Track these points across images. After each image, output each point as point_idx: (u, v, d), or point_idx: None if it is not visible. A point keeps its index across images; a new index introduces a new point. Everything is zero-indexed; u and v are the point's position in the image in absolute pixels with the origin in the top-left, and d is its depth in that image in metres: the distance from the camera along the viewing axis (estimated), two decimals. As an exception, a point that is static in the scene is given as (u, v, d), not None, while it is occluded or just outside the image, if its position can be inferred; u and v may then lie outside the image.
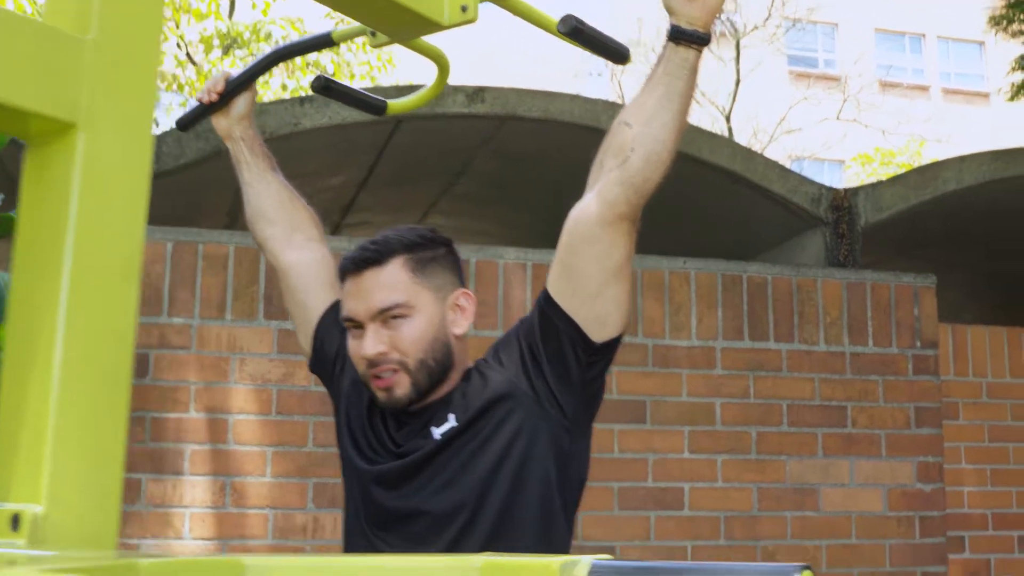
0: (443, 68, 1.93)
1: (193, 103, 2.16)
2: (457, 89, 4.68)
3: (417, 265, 1.96)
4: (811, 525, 4.22)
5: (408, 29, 1.62)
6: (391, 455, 1.98)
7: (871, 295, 4.46)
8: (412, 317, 1.92)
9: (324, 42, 1.91)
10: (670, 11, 1.77)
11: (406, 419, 1.98)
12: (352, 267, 1.96)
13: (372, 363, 1.92)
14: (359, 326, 1.94)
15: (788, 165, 13.80)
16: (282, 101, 4.71)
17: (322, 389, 3.72)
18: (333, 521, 3.80)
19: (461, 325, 1.99)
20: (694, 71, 1.79)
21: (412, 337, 1.92)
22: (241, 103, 2.15)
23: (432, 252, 1.99)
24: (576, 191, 1.88)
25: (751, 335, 4.26)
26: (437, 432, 1.93)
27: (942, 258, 5.95)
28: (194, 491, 3.74)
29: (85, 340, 1.17)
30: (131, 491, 3.63)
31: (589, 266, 1.86)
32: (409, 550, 1.90)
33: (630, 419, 4.07)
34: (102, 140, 1.20)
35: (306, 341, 2.18)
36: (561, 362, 1.90)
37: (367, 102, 2.10)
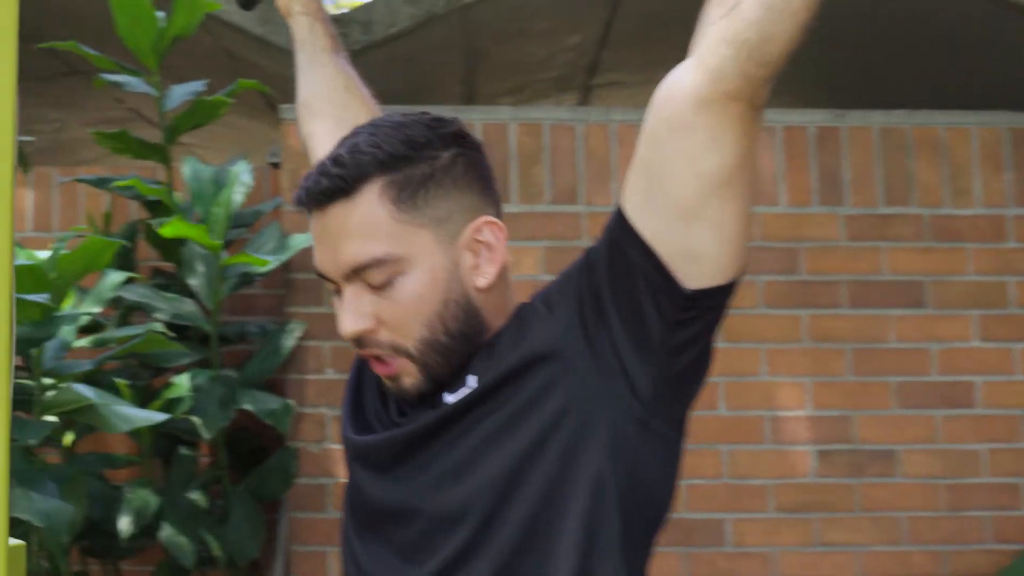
0: None
1: None
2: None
3: (404, 191, 1.34)
4: None
5: None
6: (390, 425, 1.44)
7: None
8: (405, 274, 1.34)
9: None
10: None
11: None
12: (310, 201, 1.36)
13: (359, 343, 1.38)
14: (337, 290, 1.39)
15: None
16: (500, -43, 4.26)
17: (552, 277, 3.37)
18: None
19: (486, 273, 1.37)
20: None
21: (407, 307, 1.34)
22: None
23: (429, 164, 1.36)
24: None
25: (1054, 197, 3.57)
26: (450, 397, 1.36)
27: None
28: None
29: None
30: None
31: (678, 169, 1.25)
32: (397, 568, 1.36)
33: (906, 303, 3.49)
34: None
35: None
36: (635, 315, 1.29)
37: None
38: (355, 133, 1.38)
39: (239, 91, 3.53)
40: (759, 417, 3.43)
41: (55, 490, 2.43)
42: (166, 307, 3.22)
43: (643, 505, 1.34)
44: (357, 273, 1.34)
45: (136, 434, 3.06)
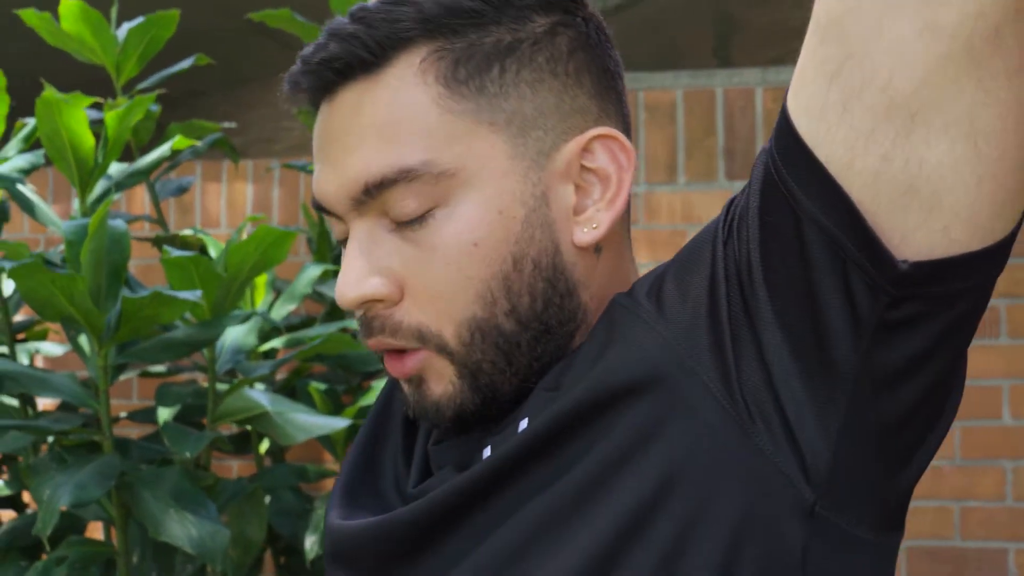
0: None
1: None
2: None
3: (463, 67, 0.83)
4: None
5: None
6: (395, 502, 0.91)
7: None
8: (453, 205, 0.82)
9: None
10: None
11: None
12: (310, 80, 0.86)
13: (366, 326, 0.86)
14: (340, 219, 0.88)
15: None
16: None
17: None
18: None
19: (596, 220, 0.85)
20: None
21: (451, 262, 0.82)
22: None
23: (511, 30, 0.84)
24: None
25: None
26: (487, 450, 0.84)
27: None
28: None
29: None
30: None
31: (889, 23, 0.67)
32: None
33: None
34: None
35: None
36: (807, 315, 0.73)
37: None
38: None
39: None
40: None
41: (214, 512, 2.17)
42: (368, 304, 2.94)
43: None
44: (374, 196, 0.83)
45: (330, 444, 2.79)
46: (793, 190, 0.72)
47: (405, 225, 0.83)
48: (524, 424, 0.82)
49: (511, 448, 0.80)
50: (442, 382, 0.85)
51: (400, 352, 0.86)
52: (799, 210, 0.72)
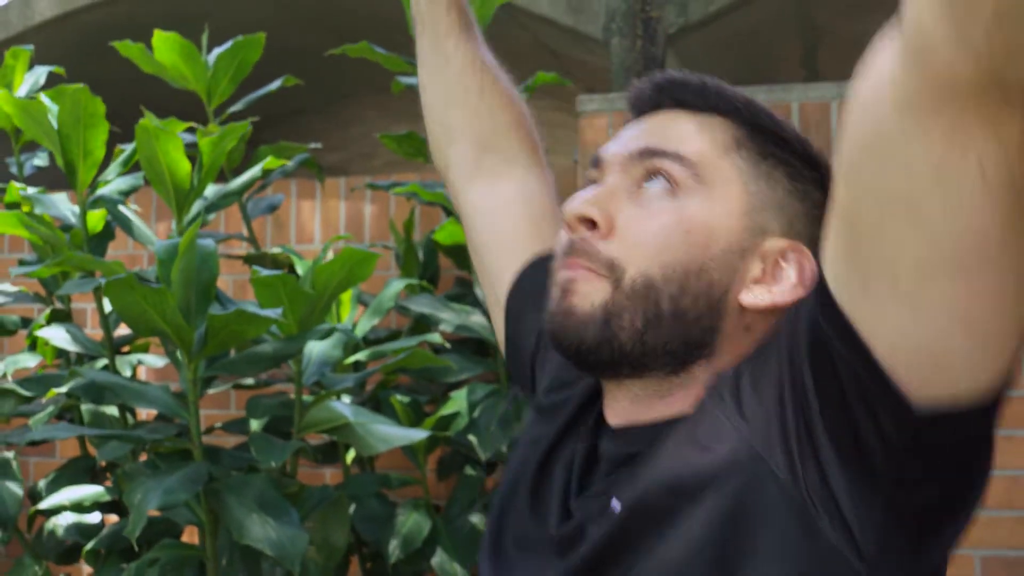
0: None
1: None
2: None
3: (747, 147, 1.04)
4: None
5: None
6: (548, 541, 1.03)
7: None
8: (686, 195, 1.01)
9: None
10: None
11: (594, 461, 1.05)
12: (640, 102, 1.10)
13: (571, 245, 1.02)
14: (592, 184, 1.06)
15: None
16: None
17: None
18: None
19: (759, 295, 1.01)
20: None
21: (664, 227, 0.99)
22: None
23: (786, 161, 1.05)
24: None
25: None
26: (616, 504, 0.97)
27: None
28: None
29: None
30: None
31: (889, 218, 0.78)
32: None
33: None
34: None
35: (498, 323, 1.31)
36: (847, 431, 0.87)
37: None
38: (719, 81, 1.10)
39: (538, 86, 3.30)
40: None
41: (295, 519, 2.27)
42: (451, 318, 3.03)
43: None
44: (643, 158, 1.03)
45: (411, 451, 2.88)
46: (831, 337, 0.85)
47: (646, 190, 1.02)
48: (615, 499, 0.97)
49: (607, 531, 0.95)
50: (589, 300, 1.00)
51: (574, 269, 1.02)
52: (836, 353, 0.85)
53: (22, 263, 3.20)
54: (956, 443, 0.86)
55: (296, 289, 2.46)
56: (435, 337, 2.96)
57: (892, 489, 0.86)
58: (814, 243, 1.01)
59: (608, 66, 3.96)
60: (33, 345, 3.24)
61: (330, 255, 2.76)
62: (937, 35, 0.68)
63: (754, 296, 1.01)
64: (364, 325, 2.94)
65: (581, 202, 1.01)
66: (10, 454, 3.05)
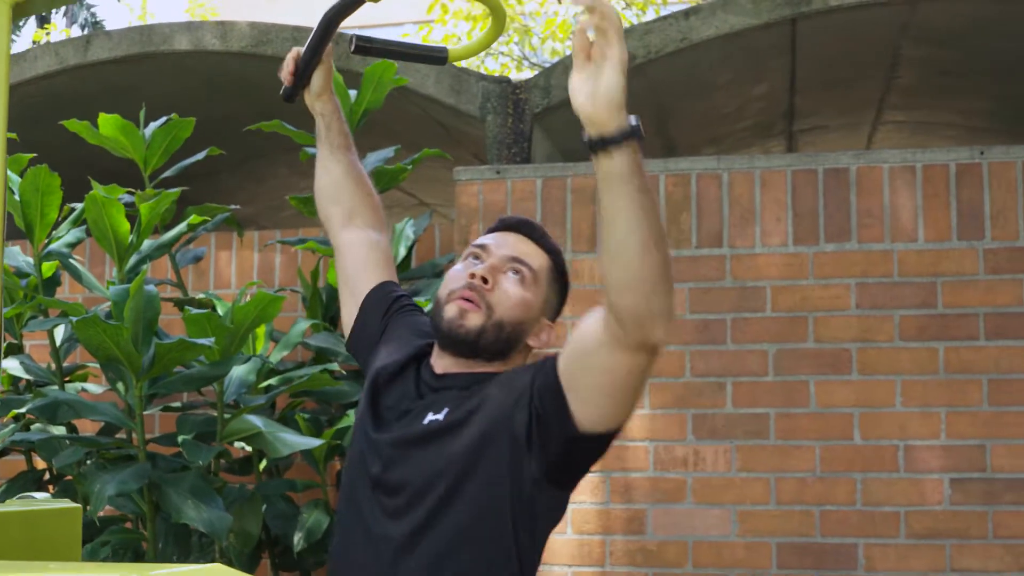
0: (497, 15, 1.95)
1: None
2: (852, -24, 4.25)
3: (554, 271, 1.96)
4: None
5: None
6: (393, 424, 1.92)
7: None
8: (526, 287, 1.90)
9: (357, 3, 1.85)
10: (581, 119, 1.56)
11: (428, 386, 1.92)
12: (515, 225, 1.98)
13: (471, 286, 1.87)
14: (479, 259, 1.92)
15: None
16: (665, 17, 4.54)
17: (696, 317, 3.60)
18: (714, 453, 3.66)
19: (533, 341, 1.95)
20: (631, 176, 1.53)
21: (515, 298, 1.89)
22: (316, 79, 2.09)
23: (563, 280, 1.99)
24: None
25: None
26: (427, 419, 1.87)
27: None
28: (576, 425, 3.76)
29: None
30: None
31: (585, 377, 1.75)
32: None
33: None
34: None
35: (349, 320, 2.10)
36: (547, 423, 1.78)
37: (425, 55, 2.02)
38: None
39: (423, 159, 3.98)
40: (893, 446, 3.54)
41: (220, 504, 2.90)
42: (346, 353, 3.68)
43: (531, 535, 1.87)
44: (512, 260, 1.90)
45: (313, 461, 3.51)
46: (552, 383, 1.79)
47: (510, 275, 1.90)
48: (444, 411, 1.86)
49: (432, 423, 1.86)
50: (474, 321, 1.87)
51: (471, 301, 1.88)
52: (552, 389, 1.79)
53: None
54: (579, 457, 1.82)
55: (219, 324, 3.09)
56: (333, 366, 3.60)
57: (550, 467, 1.79)
58: (556, 310, 1.98)
59: (484, 136, 4.64)
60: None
61: (247, 298, 3.39)
62: (611, 325, 1.66)
63: (533, 341, 1.94)
64: (275, 356, 3.57)
65: (484, 268, 1.89)
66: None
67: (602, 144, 1.51)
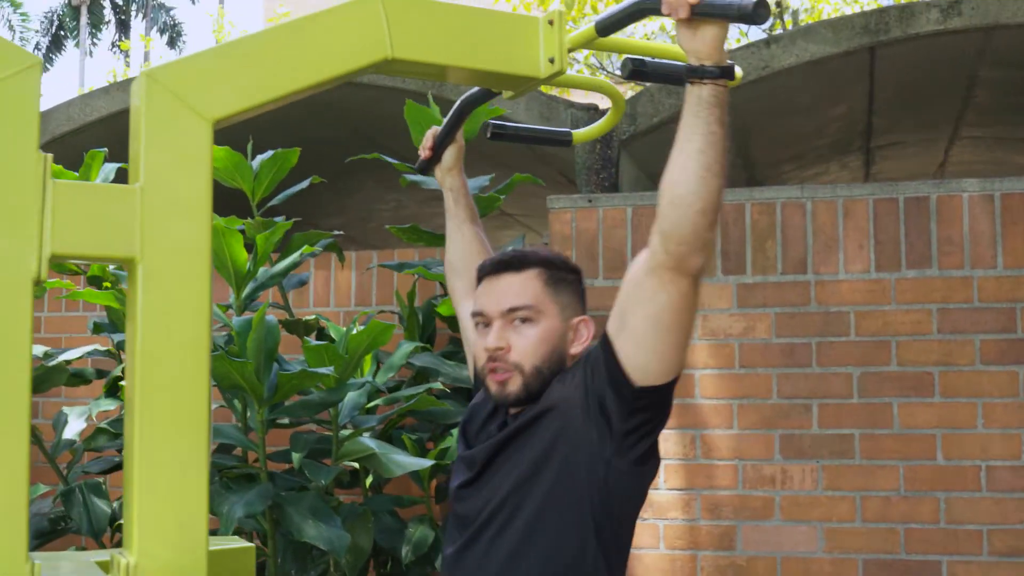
0: (617, 103, 2.13)
1: None
2: (930, 5, 4.36)
3: (550, 279, 2.03)
4: None
5: (513, 85, 1.90)
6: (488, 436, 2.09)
7: None
8: (536, 322, 2.00)
9: (490, 95, 2.07)
10: (684, 52, 1.74)
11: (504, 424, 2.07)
12: (491, 269, 2.06)
13: (492, 357, 1.99)
14: (487, 323, 2.03)
15: None
16: (747, 46, 4.68)
17: (783, 341, 3.75)
18: (801, 472, 3.81)
19: (576, 346, 2.04)
20: (712, 107, 1.71)
21: (533, 342, 1.99)
22: (448, 155, 2.30)
23: (564, 274, 2.06)
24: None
25: None
26: (499, 433, 2.03)
27: None
28: (666, 444, 3.93)
29: (161, 420, 1.42)
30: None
31: (635, 311, 1.85)
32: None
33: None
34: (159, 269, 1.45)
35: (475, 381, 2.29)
36: (605, 394, 1.89)
37: (552, 138, 2.21)
38: (523, 247, 2.09)
39: (515, 185, 4.16)
40: (975, 466, 3.67)
41: (339, 523, 3.10)
42: (448, 372, 3.87)
43: (616, 523, 1.99)
44: (510, 312, 2.00)
45: (418, 479, 3.71)
46: (604, 352, 1.92)
47: (517, 325, 2.00)
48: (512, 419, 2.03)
49: (509, 431, 2.01)
50: (515, 386, 2.00)
51: (496, 372, 2.01)
52: (606, 358, 1.91)
53: (97, 326, 4.03)
54: (644, 412, 1.90)
55: (335, 354, 3.30)
56: (437, 385, 3.79)
57: (619, 434, 1.89)
58: (583, 305, 2.07)
59: (572, 158, 4.82)
60: (110, 391, 4.05)
61: (360, 326, 3.59)
62: (660, 250, 1.79)
63: (574, 348, 2.04)
64: (381, 377, 3.77)
65: (493, 338, 2.00)
66: (101, 478, 3.86)
67: (700, 72, 1.70)
